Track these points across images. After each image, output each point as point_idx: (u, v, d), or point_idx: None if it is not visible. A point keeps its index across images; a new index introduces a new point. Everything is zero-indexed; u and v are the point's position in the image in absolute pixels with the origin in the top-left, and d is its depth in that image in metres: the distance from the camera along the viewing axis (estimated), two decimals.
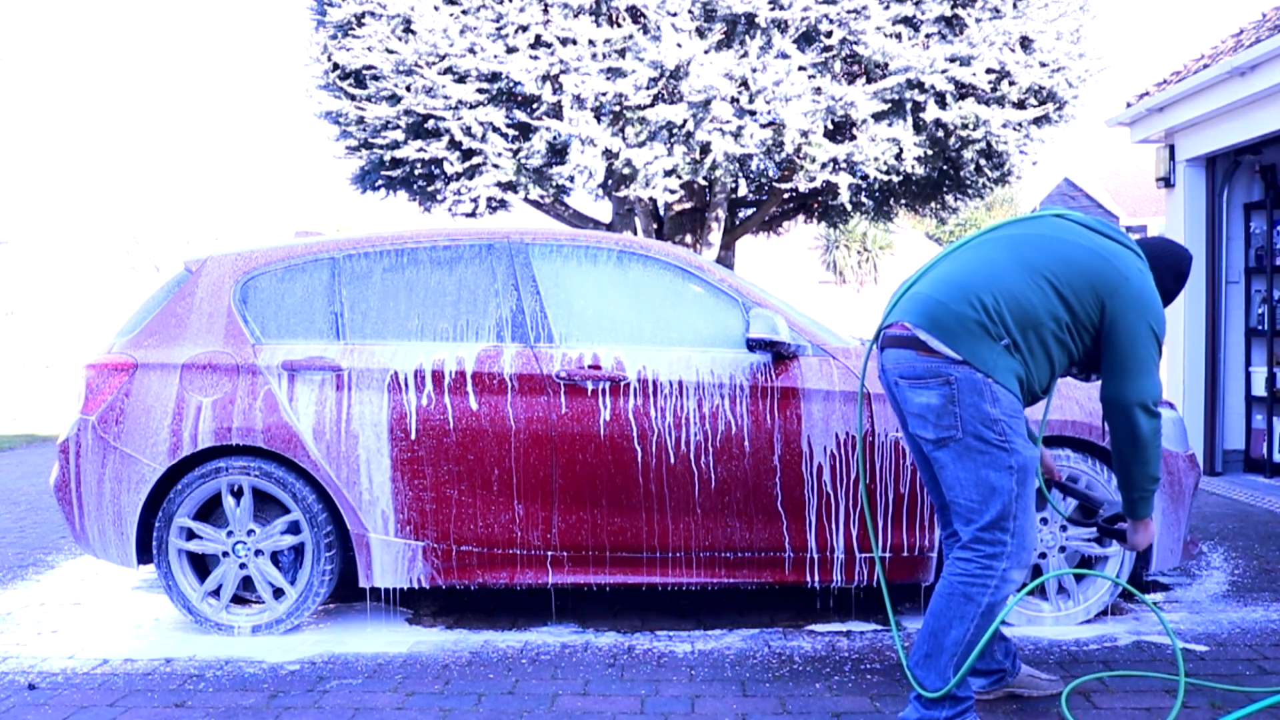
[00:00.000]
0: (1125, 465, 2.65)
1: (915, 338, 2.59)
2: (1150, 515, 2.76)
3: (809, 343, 3.69)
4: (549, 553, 3.66)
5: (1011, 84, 10.02)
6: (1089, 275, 2.55)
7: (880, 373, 2.76)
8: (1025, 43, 10.09)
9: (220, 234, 23.45)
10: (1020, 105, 10.42)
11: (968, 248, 2.71)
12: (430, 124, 9.87)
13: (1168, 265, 2.79)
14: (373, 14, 9.84)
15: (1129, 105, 7.95)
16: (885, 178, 10.23)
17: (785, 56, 9.29)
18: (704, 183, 10.74)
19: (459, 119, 9.62)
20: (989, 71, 9.84)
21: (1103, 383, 2.62)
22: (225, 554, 3.73)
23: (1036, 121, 10.62)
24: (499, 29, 9.49)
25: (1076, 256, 2.57)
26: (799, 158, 10.09)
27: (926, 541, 3.65)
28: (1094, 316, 2.57)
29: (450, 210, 11.58)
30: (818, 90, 9.42)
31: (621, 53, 9.44)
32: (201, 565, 3.82)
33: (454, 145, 9.99)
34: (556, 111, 9.57)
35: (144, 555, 3.77)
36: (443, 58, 9.53)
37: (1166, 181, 7.68)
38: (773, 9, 9.25)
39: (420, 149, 10.01)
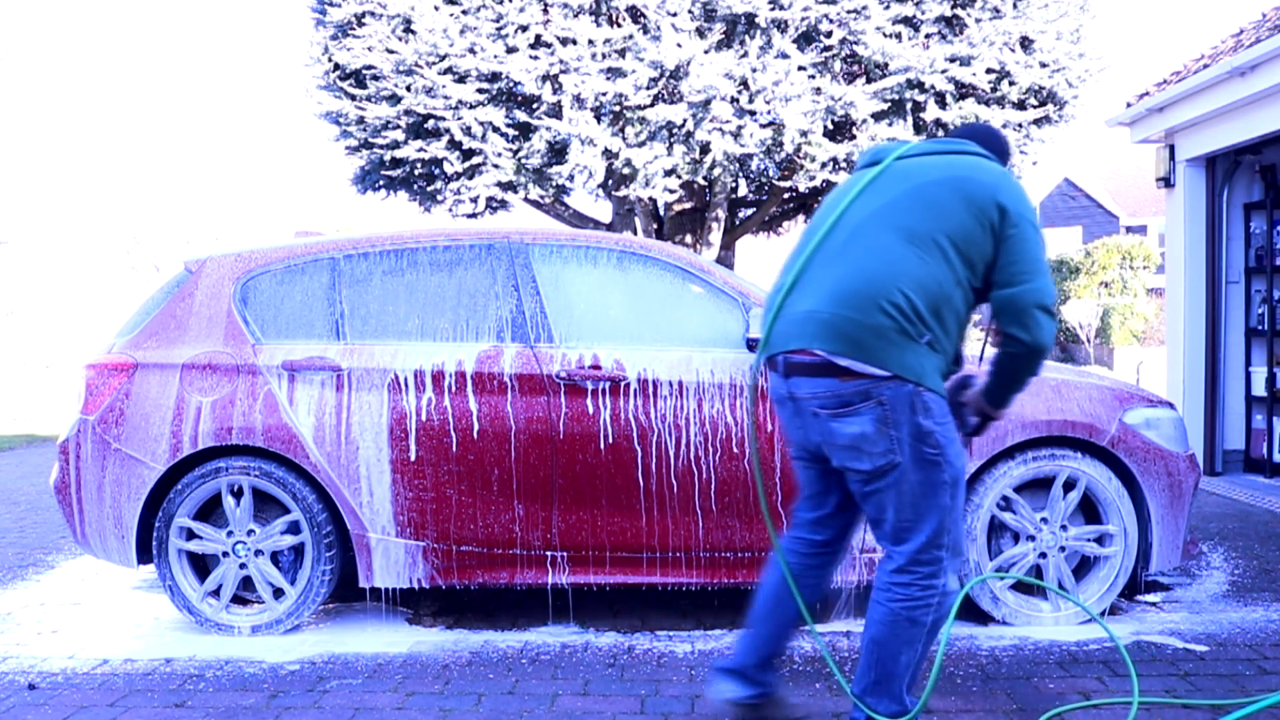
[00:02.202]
0: (1017, 370, 2.48)
1: (832, 364, 2.38)
2: (1011, 404, 2.62)
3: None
4: (549, 553, 3.66)
5: (1011, 84, 10.03)
6: (970, 211, 2.39)
7: (783, 400, 2.54)
8: (1025, 43, 10.09)
9: (220, 234, 23.45)
10: (1020, 105, 10.43)
11: (842, 236, 2.48)
12: (430, 124, 9.87)
13: (994, 145, 2.66)
14: (373, 14, 9.84)
15: (1129, 105, 7.95)
16: None
17: (785, 56, 9.29)
18: (704, 183, 10.74)
19: (459, 119, 9.62)
20: (989, 71, 9.84)
21: (997, 293, 2.42)
22: (225, 554, 3.73)
23: (1036, 122, 10.63)
24: (499, 29, 9.49)
25: (948, 200, 2.40)
26: (799, 157, 10.09)
27: None
28: (986, 250, 2.40)
29: (450, 210, 11.59)
30: (818, 90, 9.42)
31: (621, 53, 9.44)
32: (201, 565, 3.82)
33: (454, 145, 10.00)
34: (556, 111, 9.57)
35: (144, 555, 3.77)
36: (443, 58, 9.54)
37: (1166, 181, 7.68)
38: (773, 9, 9.24)
39: (420, 149, 10.02)
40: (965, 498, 3.64)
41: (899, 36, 9.63)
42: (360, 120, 10.33)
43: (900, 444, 2.38)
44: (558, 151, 9.74)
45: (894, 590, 2.46)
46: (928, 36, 9.78)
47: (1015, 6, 9.87)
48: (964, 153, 2.53)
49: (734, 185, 10.45)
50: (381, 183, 11.51)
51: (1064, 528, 3.73)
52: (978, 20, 9.68)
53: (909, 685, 2.52)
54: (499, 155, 9.79)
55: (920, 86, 9.67)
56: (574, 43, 9.28)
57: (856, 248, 2.42)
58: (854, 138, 9.93)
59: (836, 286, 2.39)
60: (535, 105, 9.73)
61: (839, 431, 2.42)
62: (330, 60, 10.53)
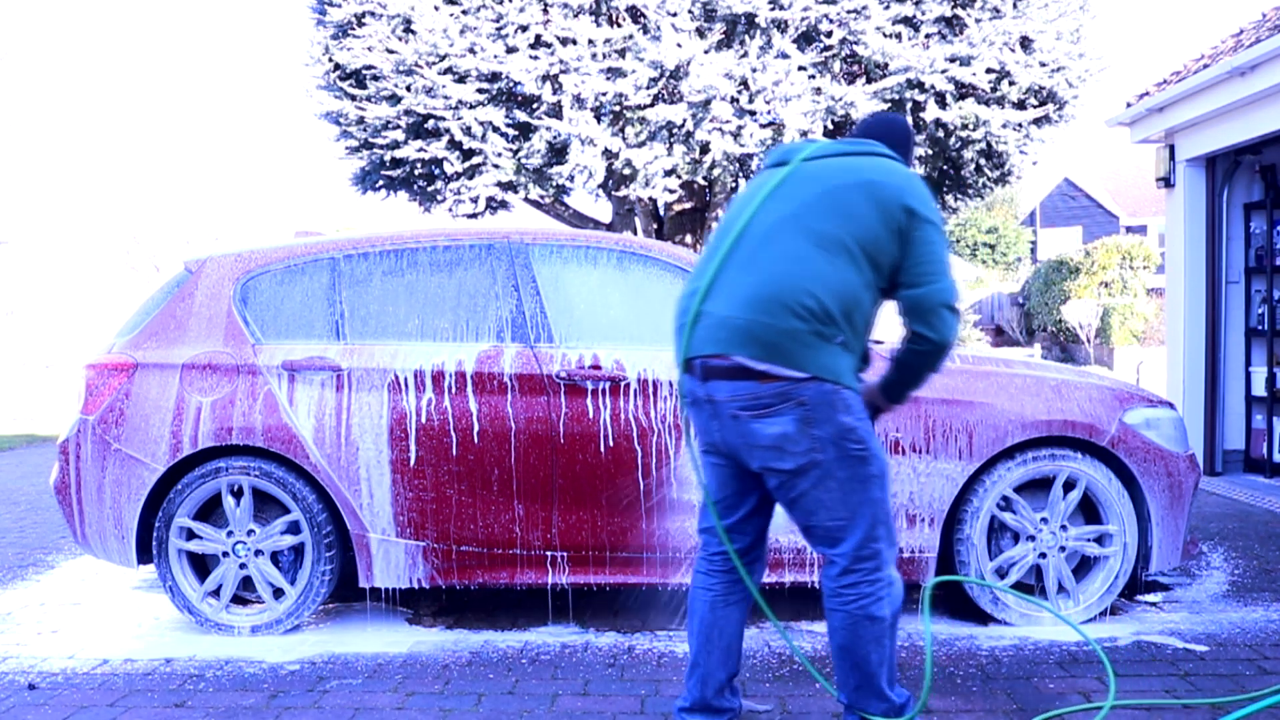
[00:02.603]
0: (920, 366, 2.51)
1: (749, 368, 2.38)
2: (908, 400, 2.69)
3: None
4: (549, 553, 3.66)
5: (1011, 84, 10.03)
6: (879, 216, 2.41)
7: (699, 402, 2.51)
8: (1025, 43, 10.09)
9: (220, 234, 23.44)
10: (1020, 105, 10.43)
11: (754, 240, 2.47)
12: (430, 124, 9.87)
13: (898, 142, 2.69)
14: (373, 14, 9.84)
15: (1129, 105, 7.95)
16: None
17: (785, 56, 9.29)
18: (704, 183, 10.75)
19: (459, 119, 9.62)
20: (989, 71, 9.84)
21: (904, 293, 2.45)
22: (225, 554, 3.73)
23: (1036, 121, 10.63)
24: (499, 29, 9.49)
25: (858, 204, 2.41)
26: None
27: (923, 542, 3.65)
28: (893, 253, 2.43)
29: (450, 210, 11.58)
30: (818, 90, 9.42)
31: (621, 53, 9.44)
32: (201, 565, 3.82)
33: (454, 145, 10.00)
34: (556, 111, 9.57)
35: (144, 555, 3.77)
36: (443, 58, 9.53)
37: (1166, 181, 7.68)
38: (773, 9, 9.24)
39: (420, 149, 10.01)
40: (964, 497, 3.66)
41: (899, 36, 9.63)
42: (360, 120, 10.33)
43: (823, 442, 2.40)
44: (558, 151, 9.74)
45: (844, 594, 2.47)
46: (928, 36, 9.78)
47: (1015, 6, 9.87)
48: (871, 154, 2.55)
49: (734, 185, 10.45)
50: (381, 183, 11.50)
51: (1064, 528, 3.73)
52: (978, 20, 9.68)
53: (890, 680, 2.53)
54: (499, 155, 9.79)
55: (920, 86, 9.67)
56: (574, 43, 9.28)
57: (769, 253, 2.44)
58: None
59: (751, 292, 2.40)
60: (535, 105, 9.73)
61: (760, 433, 2.42)
62: (330, 60, 10.53)
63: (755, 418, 2.41)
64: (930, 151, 10.10)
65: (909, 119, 9.69)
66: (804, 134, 9.52)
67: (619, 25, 9.62)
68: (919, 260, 2.43)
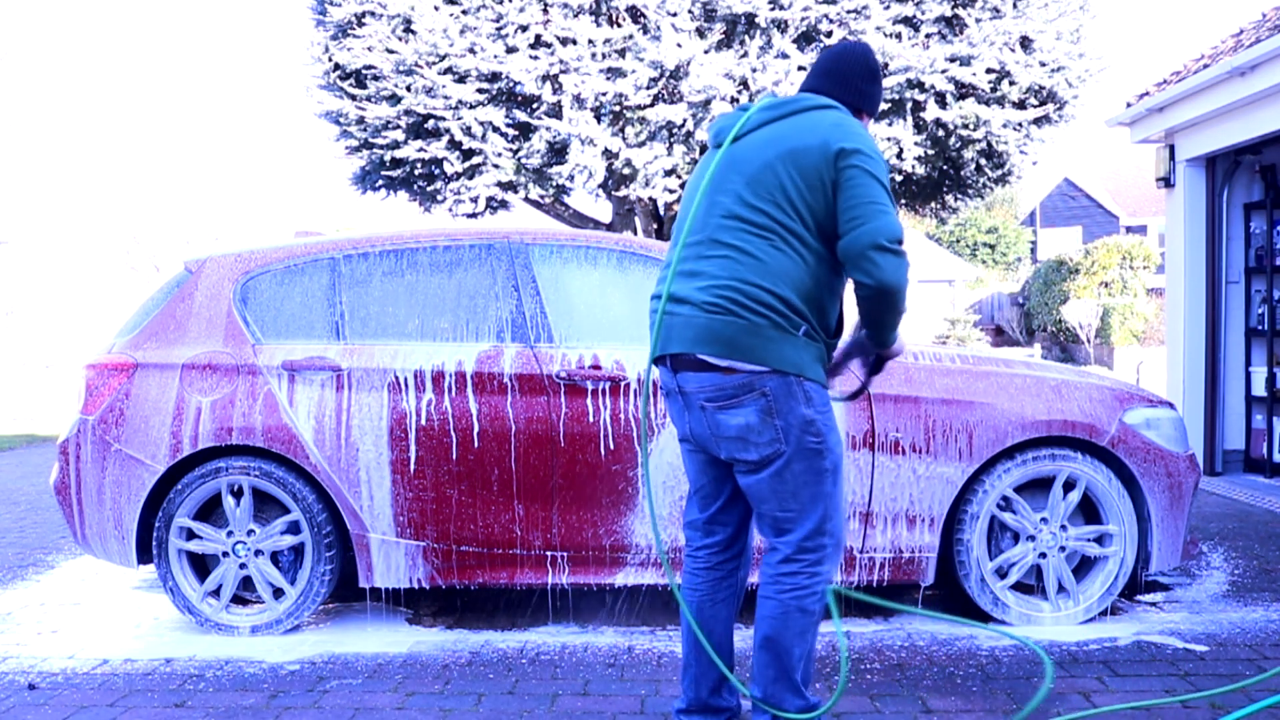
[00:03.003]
0: (875, 312, 2.44)
1: (713, 363, 2.41)
2: (896, 339, 2.59)
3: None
4: (549, 553, 3.66)
5: (1011, 84, 10.03)
6: (806, 181, 2.36)
7: (672, 393, 2.54)
8: (1025, 43, 10.09)
9: (220, 234, 23.44)
10: (1020, 105, 10.42)
11: (703, 235, 2.47)
12: (430, 124, 9.87)
13: (856, 72, 2.59)
14: (373, 14, 9.84)
15: (1129, 105, 7.94)
16: None
17: (785, 56, 9.29)
18: None
19: (459, 119, 9.62)
20: (989, 71, 9.84)
21: (838, 244, 2.38)
22: (225, 554, 3.73)
23: (1036, 121, 10.62)
24: (499, 29, 9.48)
25: (784, 179, 2.37)
26: None
27: (923, 542, 3.65)
28: (832, 206, 2.38)
29: (450, 210, 11.58)
30: None
31: (621, 53, 9.44)
32: (201, 565, 3.82)
33: (454, 145, 9.99)
34: (556, 111, 9.56)
35: (144, 555, 3.77)
36: (443, 58, 9.53)
37: (1166, 181, 7.68)
38: (773, 9, 9.24)
39: (420, 149, 10.01)
40: (964, 497, 3.66)
41: (899, 36, 9.63)
42: (360, 120, 10.33)
43: (785, 433, 2.41)
44: (558, 151, 9.74)
45: (782, 581, 2.47)
46: (928, 36, 9.79)
47: (1015, 6, 9.87)
48: (799, 110, 2.48)
49: None
50: (381, 183, 11.50)
51: (1064, 528, 3.73)
52: (978, 20, 9.68)
53: (807, 677, 2.52)
54: (499, 155, 9.79)
55: (920, 86, 9.67)
56: (574, 43, 9.28)
57: (719, 250, 2.44)
58: None
59: (708, 292, 2.42)
60: (535, 105, 9.73)
61: (725, 423, 2.45)
62: (330, 60, 10.53)
63: (720, 409, 2.44)
64: (930, 151, 10.10)
65: (909, 119, 9.70)
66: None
67: (619, 25, 9.62)
68: (846, 206, 2.36)
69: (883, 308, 2.42)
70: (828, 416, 2.47)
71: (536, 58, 9.36)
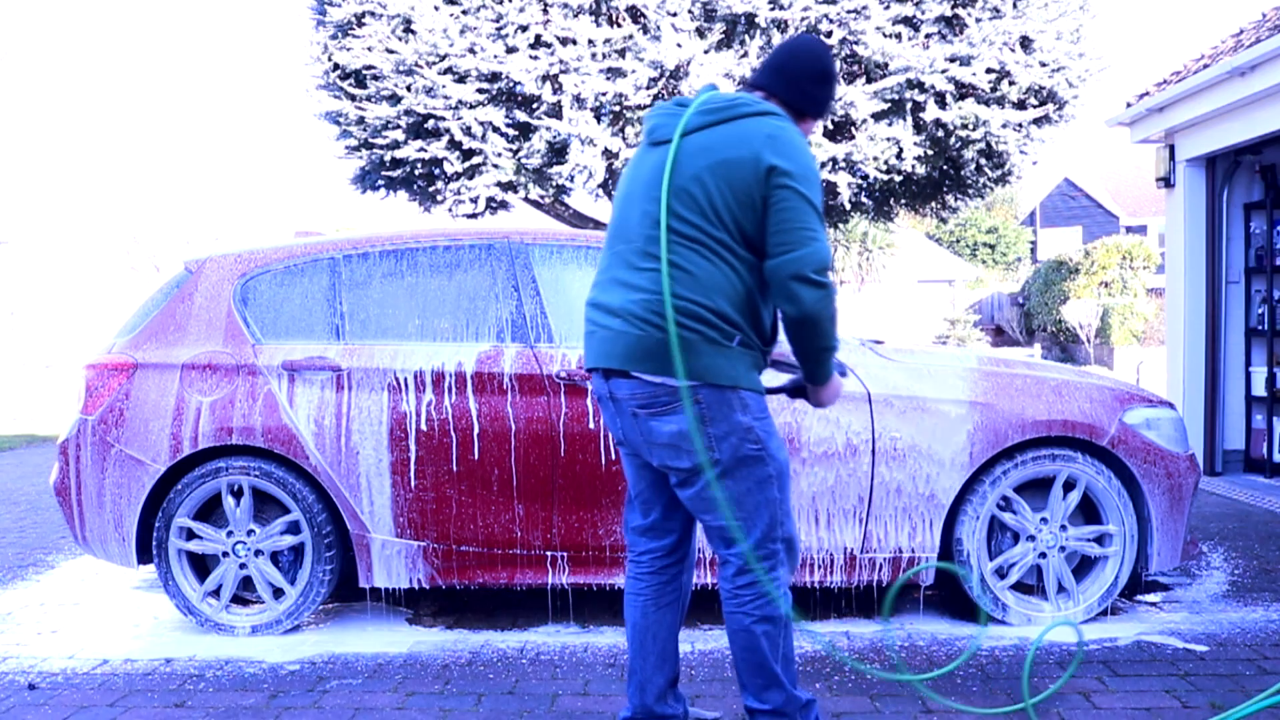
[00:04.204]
0: (798, 339, 2.40)
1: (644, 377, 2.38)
2: (829, 378, 2.51)
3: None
4: (549, 553, 3.66)
5: (1011, 84, 10.03)
6: (736, 194, 2.31)
7: (604, 399, 2.51)
8: (1025, 43, 10.09)
9: (220, 234, 23.43)
10: (1020, 105, 10.42)
11: (635, 246, 2.43)
12: (430, 124, 9.87)
13: (805, 74, 2.51)
14: (373, 14, 9.84)
15: (1129, 105, 7.94)
16: (885, 177, 10.21)
17: None
18: None
19: (459, 119, 9.62)
20: (989, 71, 9.84)
21: (765, 263, 2.34)
22: (225, 554, 3.73)
23: (1036, 121, 10.62)
24: (499, 29, 9.48)
25: (713, 190, 2.33)
26: None
27: (923, 543, 3.65)
28: (762, 218, 2.33)
29: (450, 210, 11.58)
30: None
31: (621, 53, 9.44)
32: (201, 565, 3.81)
33: (454, 145, 9.99)
34: (556, 111, 9.56)
35: (144, 555, 3.77)
36: (443, 58, 9.53)
37: (1166, 181, 7.68)
38: (773, 9, 9.24)
39: (420, 149, 10.01)
40: (964, 497, 3.65)
41: (899, 36, 9.63)
42: (360, 120, 10.33)
43: (718, 441, 2.38)
44: (558, 151, 9.74)
45: (741, 595, 2.45)
46: (928, 36, 9.79)
47: (1015, 6, 9.87)
48: (735, 117, 2.41)
49: None
50: (381, 183, 11.50)
51: (1064, 528, 3.73)
52: (978, 20, 9.68)
53: (793, 677, 2.51)
54: (499, 155, 9.79)
55: (920, 86, 9.66)
56: (574, 43, 9.28)
57: (650, 263, 2.39)
58: (854, 138, 9.93)
59: (639, 306, 2.38)
60: (535, 105, 9.73)
61: (658, 430, 2.41)
62: (330, 60, 10.53)
63: (652, 416, 2.41)
64: (930, 151, 10.10)
65: (909, 119, 9.69)
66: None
67: (619, 25, 9.62)
68: (774, 229, 2.31)
69: (807, 337, 2.38)
70: (766, 423, 2.43)
71: (536, 58, 9.36)
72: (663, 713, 2.62)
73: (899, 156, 9.87)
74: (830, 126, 9.82)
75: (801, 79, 2.52)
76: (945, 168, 11.13)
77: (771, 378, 2.76)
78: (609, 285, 2.47)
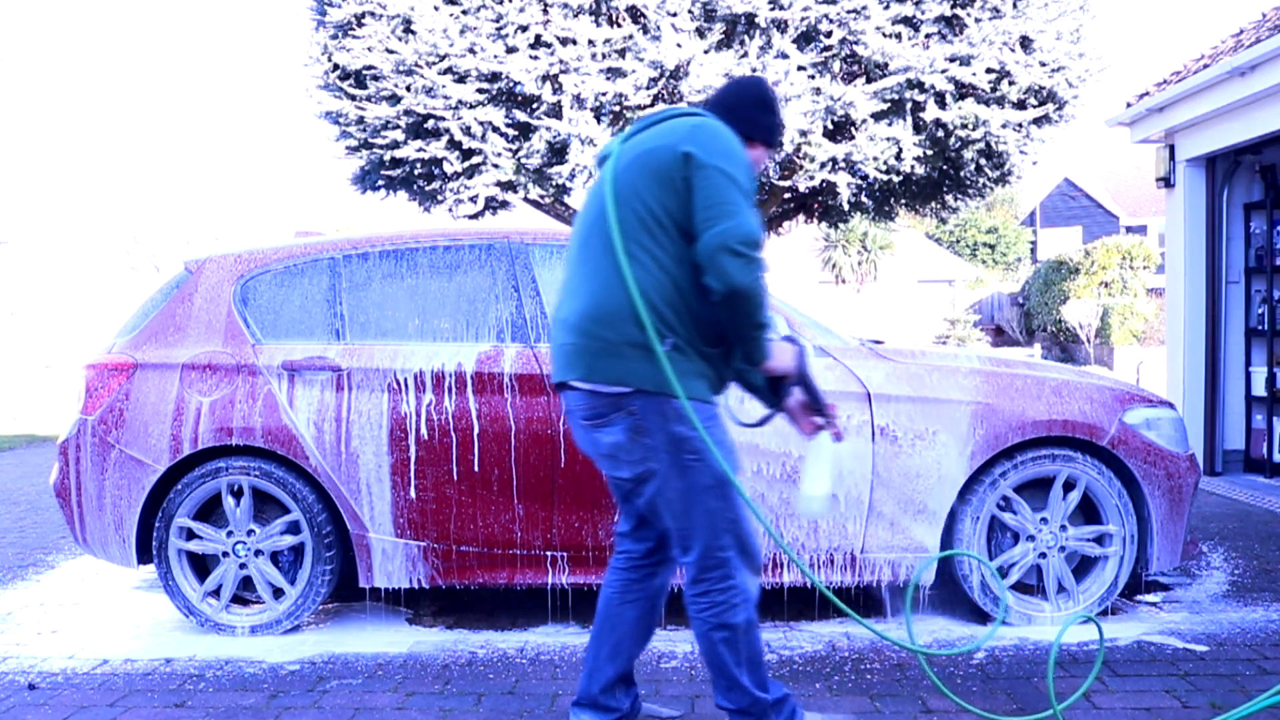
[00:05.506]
0: (728, 318, 2.36)
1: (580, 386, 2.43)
2: (767, 356, 2.48)
3: (809, 343, 3.69)
4: (549, 553, 3.66)
5: (1011, 84, 10.02)
6: (663, 186, 2.35)
7: (566, 413, 2.60)
8: (1025, 43, 10.08)
9: (220, 234, 23.44)
10: (1020, 105, 10.42)
11: (577, 257, 2.50)
12: (430, 124, 9.86)
13: (744, 100, 2.57)
14: (373, 14, 9.83)
15: (1129, 105, 7.94)
16: (885, 177, 10.21)
17: (785, 56, 9.28)
18: None
19: (459, 119, 9.61)
20: (989, 71, 9.83)
21: (694, 246, 2.33)
22: (225, 554, 3.73)
23: (1036, 121, 10.62)
24: (499, 29, 9.48)
25: (639, 186, 2.37)
26: (799, 158, 10.09)
27: (923, 543, 3.65)
28: (689, 211, 2.34)
29: (450, 210, 11.57)
30: (817, 90, 9.42)
31: (621, 53, 9.43)
32: (201, 565, 3.81)
33: (454, 145, 9.99)
34: (556, 111, 9.56)
35: (144, 555, 3.77)
36: (443, 58, 9.53)
37: (1166, 181, 7.68)
38: (773, 9, 9.24)
39: (420, 149, 10.01)
40: (964, 497, 3.65)
41: (899, 36, 9.62)
42: (360, 120, 10.32)
43: (655, 452, 2.40)
44: (558, 151, 9.73)
45: (698, 602, 2.48)
46: (928, 36, 9.78)
47: (1015, 6, 9.87)
48: (664, 119, 2.48)
49: None
50: (381, 183, 11.50)
51: (1064, 528, 3.73)
52: (978, 20, 9.68)
53: (760, 681, 2.51)
54: (499, 155, 9.78)
55: (920, 86, 9.66)
56: (574, 43, 9.28)
57: (585, 270, 2.46)
58: (854, 138, 9.93)
59: (575, 316, 2.43)
60: (535, 105, 9.73)
61: (600, 441, 2.48)
62: (330, 60, 10.52)
63: (594, 427, 2.47)
64: (930, 151, 10.10)
65: (909, 119, 9.68)
66: (803, 134, 9.50)
67: (619, 25, 9.61)
68: (698, 209, 2.31)
69: (737, 315, 2.35)
70: (712, 427, 2.41)
71: (536, 58, 9.36)
72: (606, 704, 2.65)
73: (899, 156, 9.86)
74: (830, 126, 9.81)
75: (743, 105, 2.59)
76: (945, 168, 11.12)
77: (747, 413, 2.75)
78: (561, 299, 2.54)
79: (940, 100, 9.85)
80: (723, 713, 2.58)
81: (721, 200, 2.30)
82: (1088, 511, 3.81)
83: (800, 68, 9.35)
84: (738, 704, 2.52)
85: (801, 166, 9.99)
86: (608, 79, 9.32)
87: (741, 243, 2.27)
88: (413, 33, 9.58)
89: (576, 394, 2.46)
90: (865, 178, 10.49)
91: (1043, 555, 3.73)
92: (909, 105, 9.73)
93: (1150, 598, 4.13)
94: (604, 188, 2.47)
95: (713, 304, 2.36)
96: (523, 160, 9.78)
